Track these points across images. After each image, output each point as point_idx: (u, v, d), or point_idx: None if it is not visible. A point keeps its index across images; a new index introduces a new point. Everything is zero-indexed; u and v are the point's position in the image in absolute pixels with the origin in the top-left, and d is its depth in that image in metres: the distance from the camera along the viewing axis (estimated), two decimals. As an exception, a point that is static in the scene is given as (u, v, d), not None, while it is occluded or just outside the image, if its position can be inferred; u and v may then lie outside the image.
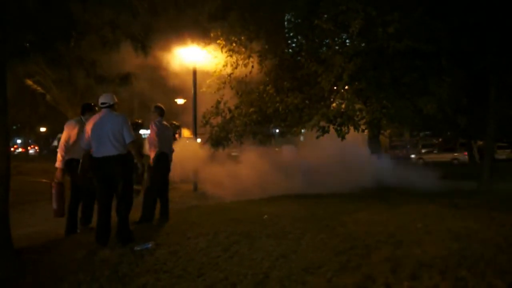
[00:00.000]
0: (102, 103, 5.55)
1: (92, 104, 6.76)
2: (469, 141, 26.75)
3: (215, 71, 11.77)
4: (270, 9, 11.43)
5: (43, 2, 6.17)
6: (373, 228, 5.88)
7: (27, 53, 6.79)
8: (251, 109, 11.11)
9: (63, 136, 6.35)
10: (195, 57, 12.00)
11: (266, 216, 6.90)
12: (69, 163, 6.25)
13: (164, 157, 6.95)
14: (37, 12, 6.19)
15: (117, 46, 7.46)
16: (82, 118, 6.49)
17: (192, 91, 12.58)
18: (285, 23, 12.75)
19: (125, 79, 8.44)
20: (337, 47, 10.37)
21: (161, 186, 7.02)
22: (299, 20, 11.47)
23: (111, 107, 5.57)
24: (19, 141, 58.53)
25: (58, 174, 6.23)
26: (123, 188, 5.43)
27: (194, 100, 12.57)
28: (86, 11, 6.70)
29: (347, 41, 10.62)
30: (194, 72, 12.22)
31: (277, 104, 10.54)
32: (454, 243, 4.94)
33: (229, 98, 11.85)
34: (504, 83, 11.17)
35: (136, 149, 5.55)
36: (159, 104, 7.33)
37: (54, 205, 6.24)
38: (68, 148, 6.27)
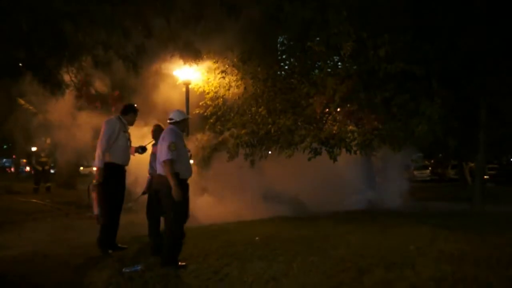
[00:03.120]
0: (169, 119, 5.40)
1: (135, 105, 6.46)
2: (460, 162, 26.96)
3: (208, 93, 11.81)
4: (263, 31, 11.53)
5: (36, 21, 6.19)
6: (365, 250, 5.84)
7: (19, 71, 6.78)
8: (243, 131, 11.11)
9: (103, 133, 5.88)
10: (188, 78, 12.02)
11: (257, 238, 6.84)
12: (109, 167, 5.85)
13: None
14: (30, 31, 6.21)
15: (109, 66, 7.49)
16: (122, 118, 6.18)
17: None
18: (278, 45, 12.86)
19: (117, 99, 8.48)
20: (329, 69, 10.45)
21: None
22: (292, 43, 11.58)
23: (175, 124, 5.37)
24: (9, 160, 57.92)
25: (98, 174, 5.76)
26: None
27: (186, 120, 12.55)
28: (79, 31, 6.71)
29: (339, 63, 10.72)
30: (187, 93, 12.24)
31: (269, 126, 10.54)
32: (447, 265, 4.92)
33: (222, 120, 11.87)
34: (494, 104, 11.30)
35: (167, 169, 5.01)
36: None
37: (96, 210, 5.75)
38: (108, 148, 5.85)
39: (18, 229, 8.46)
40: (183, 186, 5.15)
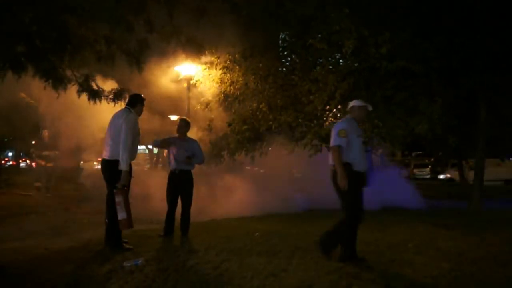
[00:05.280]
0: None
1: (142, 95, 6.18)
2: (460, 160, 26.96)
3: (209, 89, 11.83)
4: (264, 27, 11.53)
5: (38, 14, 6.19)
6: (364, 247, 5.87)
7: (21, 65, 6.77)
8: (244, 127, 11.13)
9: (127, 132, 5.53)
10: (190, 73, 12.06)
11: (257, 234, 6.88)
12: (116, 165, 5.52)
13: None
14: (32, 24, 6.20)
15: (111, 61, 7.48)
16: (131, 109, 5.85)
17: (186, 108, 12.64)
18: (279, 42, 12.85)
19: (119, 94, 8.46)
20: (330, 67, 10.45)
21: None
22: (293, 39, 11.58)
23: (350, 111, 5.28)
24: (10, 154, 58.01)
25: (125, 177, 5.50)
26: None
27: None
28: (82, 25, 6.72)
29: (340, 60, 10.71)
30: (188, 89, 12.28)
31: (270, 122, 10.57)
32: (444, 263, 4.95)
33: (223, 116, 11.91)
34: (493, 102, 11.30)
35: (334, 155, 4.83)
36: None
37: (122, 215, 5.48)
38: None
39: (18, 222, 8.51)
40: (356, 178, 4.88)
